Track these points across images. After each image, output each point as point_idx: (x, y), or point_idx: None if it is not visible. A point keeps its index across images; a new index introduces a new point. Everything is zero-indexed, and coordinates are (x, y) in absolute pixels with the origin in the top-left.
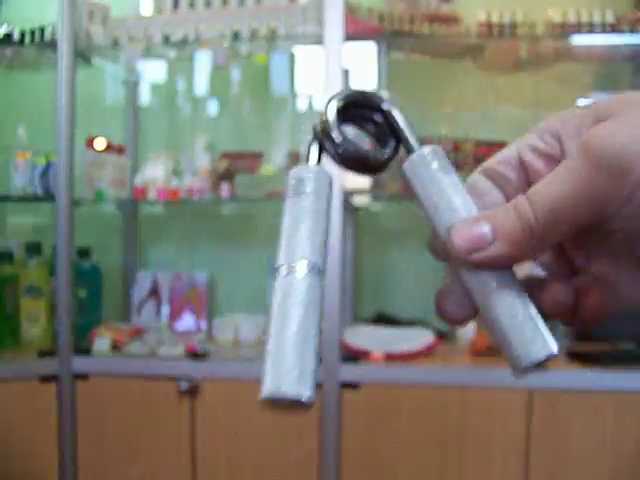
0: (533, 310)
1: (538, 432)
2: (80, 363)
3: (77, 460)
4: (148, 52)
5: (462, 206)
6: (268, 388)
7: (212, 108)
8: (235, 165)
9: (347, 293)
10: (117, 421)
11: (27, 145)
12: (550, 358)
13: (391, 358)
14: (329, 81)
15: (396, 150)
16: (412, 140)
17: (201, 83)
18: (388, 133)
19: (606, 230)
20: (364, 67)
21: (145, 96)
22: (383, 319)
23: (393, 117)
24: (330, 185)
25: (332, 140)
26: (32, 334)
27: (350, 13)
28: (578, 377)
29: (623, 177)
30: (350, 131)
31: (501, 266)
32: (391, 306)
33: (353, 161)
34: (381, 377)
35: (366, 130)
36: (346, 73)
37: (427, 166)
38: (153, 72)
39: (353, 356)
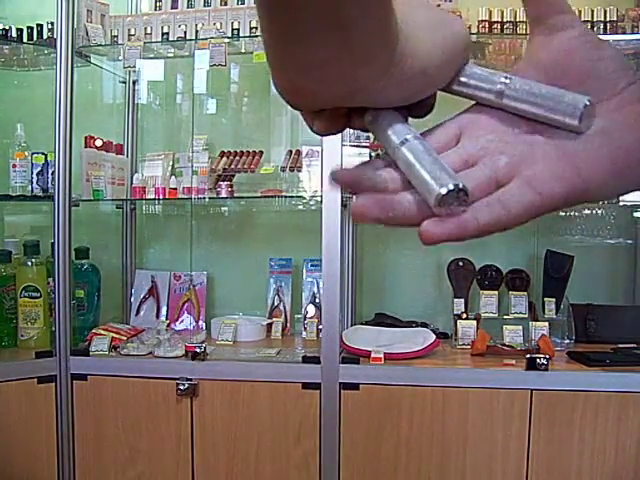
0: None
1: (538, 432)
2: (78, 364)
3: (75, 460)
4: (147, 50)
5: None
6: (438, 189)
7: (211, 107)
8: (234, 164)
9: (347, 293)
10: (116, 421)
11: (25, 144)
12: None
13: (391, 358)
14: None
15: None
16: None
17: (200, 82)
18: None
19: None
20: None
21: (144, 95)
22: (383, 319)
23: None
24: None
25: None
26: (30, 334)
27: None
28: (578, 377)
29: None
30: None
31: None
32: (391, 306)
33: None
34: (381, 377)
35: None
36: None
37: None
38: (152, 70)
39: (353, 357)
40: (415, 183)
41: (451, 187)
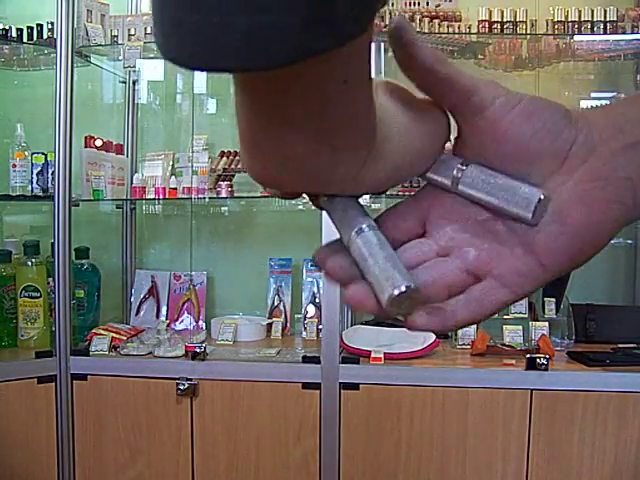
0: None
1: (538, 432)
2: (78, 364)
3: (75, 460)
4: (147, 50)
5: None
6: (391, 290)
7: (211, 107)
8: (234, 164)
9: None
10: (116, 422)
11: (25, 144)
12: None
13: (391, 359)
14: None
15: None
16: None
17: (200, 81)
18: None
19: None
20: None
21: (144, 94)
22: (383, 319)
23: None
24: None
25: None
26: (30, 334)
27: None
28: (578, 377)
29: None
30: None
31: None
32: None
33: None
34: (381, 377)
35: None
36: None
37: None
38: (152, 70)
39: (353, 357)
40: (368, 278)
41: (403, 289)
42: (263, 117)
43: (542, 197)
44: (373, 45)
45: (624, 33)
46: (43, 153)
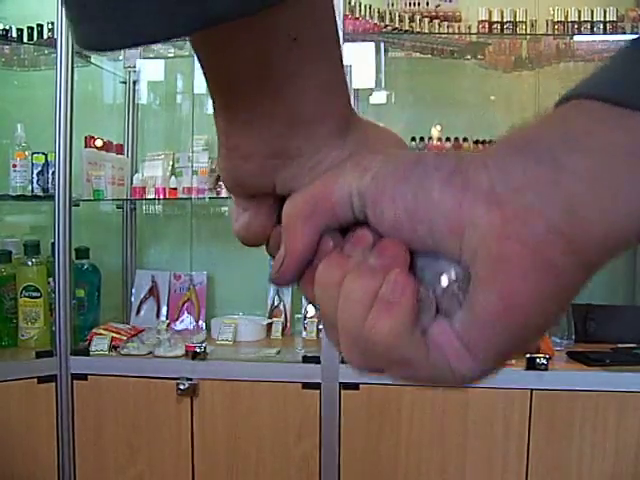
0: None
1: (538, 432)
2: (78, 363)
3: (76, 460)
4: (147, 50)
5: None
6: None
7: (211, 107)
8: None
9: None
10: (116, 421)
11: (25, 144)
12: None
13: None
14: None
15: None
16: None
17: (200, 81)
18: None
19: None
20: (364, 65)
21: (144, 95)
22: None
23: None
24: None
25: None
26: (30, 334)
27: (350, 11)
28: (578, 377)
29: None
30: None
31: None
32: None
33: None
34: (381, 377)
35: None
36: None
37: None
38: (152, 70)
39: None
40: None
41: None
42: (218, 75)
43: None
44: (372, 44)
45: (624, 33)
46: (43, 153)
